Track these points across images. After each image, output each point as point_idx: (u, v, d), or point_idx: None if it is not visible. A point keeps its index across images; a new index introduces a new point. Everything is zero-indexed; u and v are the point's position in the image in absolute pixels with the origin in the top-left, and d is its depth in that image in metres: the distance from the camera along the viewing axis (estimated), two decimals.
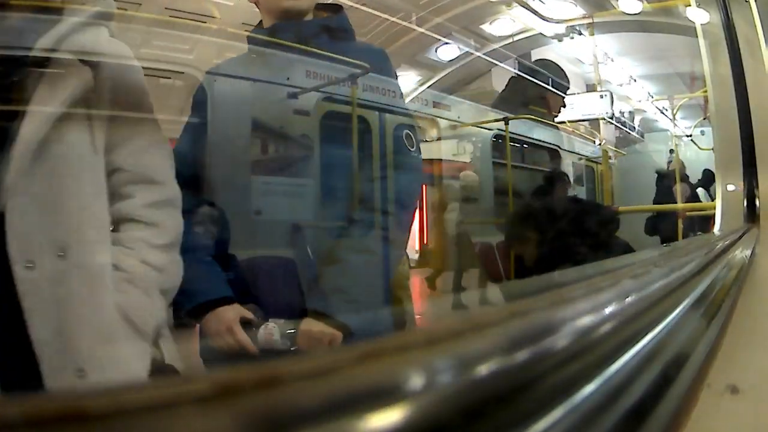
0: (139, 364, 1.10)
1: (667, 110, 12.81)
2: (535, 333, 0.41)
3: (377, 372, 0.28)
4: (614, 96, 9.58)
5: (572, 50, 12.02)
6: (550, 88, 4.12)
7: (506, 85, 4.70)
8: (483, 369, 0.29)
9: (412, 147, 1.79)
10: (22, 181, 1.04)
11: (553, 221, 3.15)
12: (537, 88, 4.06)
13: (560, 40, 10.86)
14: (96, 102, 1.21)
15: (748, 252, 1.42)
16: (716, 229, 2.21)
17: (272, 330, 1.40)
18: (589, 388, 0.36)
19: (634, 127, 14.80)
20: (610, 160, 11.09)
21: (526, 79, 4.24)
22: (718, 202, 2.23)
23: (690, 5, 3.67)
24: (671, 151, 8.34)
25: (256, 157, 1.78)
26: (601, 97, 9.34)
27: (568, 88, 4.87)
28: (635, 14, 8.76)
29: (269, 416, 0.21)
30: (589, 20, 9.71)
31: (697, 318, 0.71)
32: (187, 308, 1.39)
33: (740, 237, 1.66)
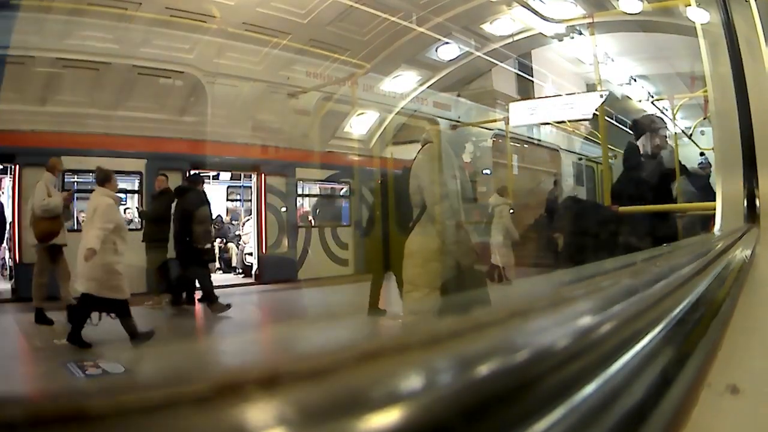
0: None
1: (667, 110, 12.83)
2: (535, 333, 0.41)
3: (377, 372, 0.28)
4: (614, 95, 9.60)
5: (572, 50, 12.05)
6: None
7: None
8: (483, 369, 0.29)
9: None
10: None
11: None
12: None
13: (560, 40, 10.89)
14: None
15: (748, 252, 1.42)
16: (716, 229, 2.20)
17: None
18: (589, 388, 0.36)
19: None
20: (611, 160, 11.08)
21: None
22: (718, 202, 2.23)
23: (690, 5, 3.67)
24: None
25: None
26: (601, 96, 9.37)
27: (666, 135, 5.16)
28: (635, 14, 8.78)
29: (269, 416, 0.21)
30: (590, 20, 9.73)
31: (697, 318, 0.71)
32: None
33: (740, 237, 1.66)
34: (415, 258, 3.19)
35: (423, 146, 3.34)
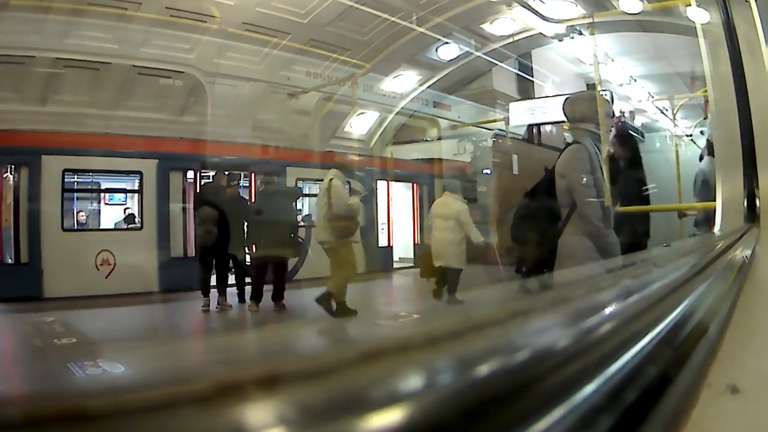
0: None
1: (667, 110, 12.83)
2: (535, 333, 0.41)
3: (377, 372, 0.28)
4: (614, 95, 9.60)
5: (572, 50, 12.05)
6: None
7: None
8: (483, 369, 0.29)
9: None
10: None
11: None
12: None
13: (560, 40, 10.90)
14: None
15: (748, 252, 1.42)
16: (716, 229, 2.20)
17: None
18: (589, 388, 0.36)
19: (635, 127, 14.82)
20: None
21: None
22: (719, 202, 2.23)
23: (690, 5, 3.67)
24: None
25: None
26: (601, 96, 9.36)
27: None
28: (635, 14, 8.78)
29: (269, 416, 0.21)
30: (590, 20, 9.73)
31: (697, 318, 0.71)
32: None
33: (740, 237, 1.66)
34: (571, 259, 3.07)
35: (569, 144, 3.17)
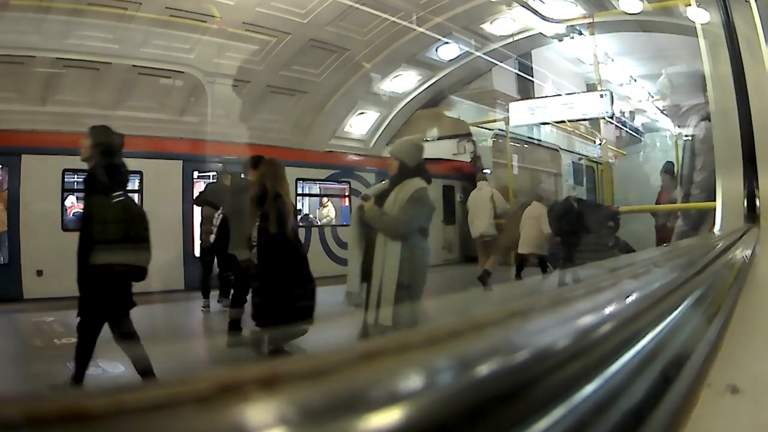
0: None
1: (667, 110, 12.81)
2: (535, 333, 0.41)
3: (377, 372, 0.28)
4: (614, 95, 9.60)
5: (572, 50, 12.03)
6: None
7: None
8: (483, 369, 0.29)
9: None
10: None
11: None
12: None
13: (560, 40, 10.89)
14: None
15: (748, 252, 1.42)
16: (716, 229, 2.20)
17: None
18: (589, 388, 0.36)
19: (635, 127, 14.79)
20: (610, 160, 11.03)
21: None
22: (719, 202, 2.23)
23: (690, 5, 3.67)
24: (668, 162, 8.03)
25: None
26: (601, 96, 9.37)
27: None
28: (635, 14, 8.78)
29: (269, 416, 0.21)
30: (590, 20, 9.72)
31: (697, 318, 0.71)
32: None
33: (740, 237, 1.66)
34: None
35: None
